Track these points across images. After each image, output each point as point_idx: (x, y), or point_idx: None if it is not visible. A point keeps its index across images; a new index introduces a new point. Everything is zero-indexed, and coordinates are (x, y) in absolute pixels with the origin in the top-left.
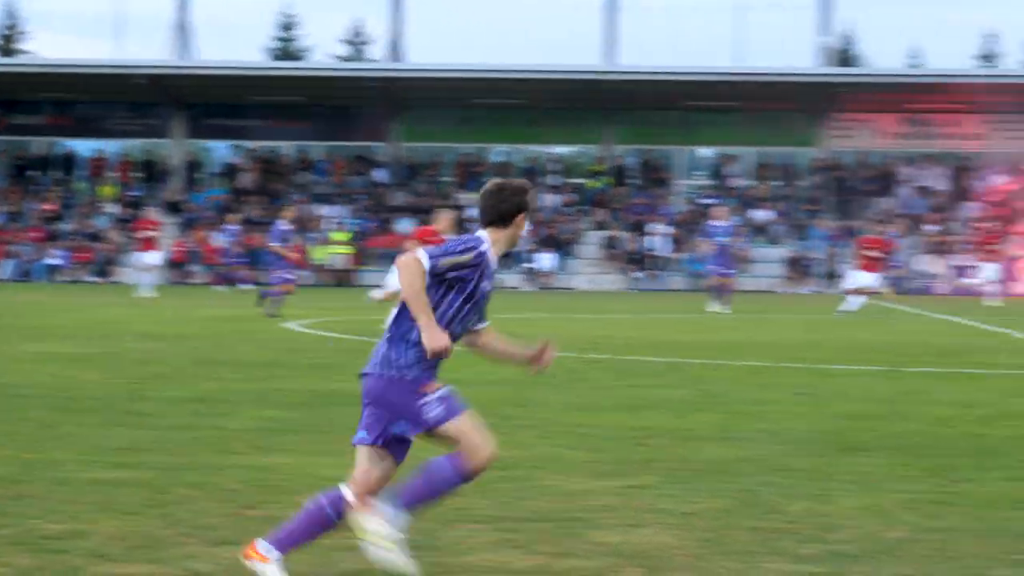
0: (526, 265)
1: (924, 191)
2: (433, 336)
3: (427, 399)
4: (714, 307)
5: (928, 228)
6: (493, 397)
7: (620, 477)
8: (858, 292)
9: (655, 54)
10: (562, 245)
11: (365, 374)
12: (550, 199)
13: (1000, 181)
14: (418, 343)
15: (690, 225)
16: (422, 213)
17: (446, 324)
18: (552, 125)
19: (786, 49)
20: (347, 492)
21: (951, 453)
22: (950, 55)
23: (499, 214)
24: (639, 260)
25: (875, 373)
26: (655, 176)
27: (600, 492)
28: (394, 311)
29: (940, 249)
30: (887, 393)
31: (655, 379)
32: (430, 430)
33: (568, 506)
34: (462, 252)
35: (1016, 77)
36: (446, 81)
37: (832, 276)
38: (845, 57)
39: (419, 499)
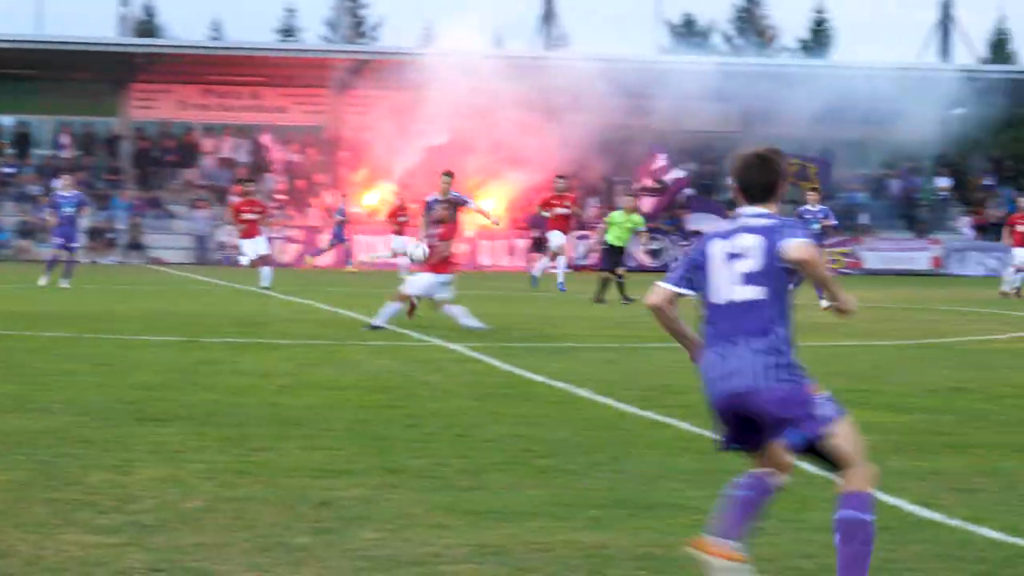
0: None
1: (226, 163)
2: (850, 299)
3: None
4: (51, 281)
5: (231, 199)
6: None
7: None
8: (262, 263)
9: None
10: None
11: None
12: None
13: (297, 153)
14: (793, 344)
15: None
16: None
17: (792, 304)
18: None
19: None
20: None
21: (249, 423)
22: (252, 29)
23: (771, 187)
24: None
25: (174, 343)
26: None
27: None
28: (769, 318)
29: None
30: (185, 363)
31: None
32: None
33: None
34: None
35: (313, 52)
36: None
37: (135, 247)
38: (147, 28)
39: (747, 520)
